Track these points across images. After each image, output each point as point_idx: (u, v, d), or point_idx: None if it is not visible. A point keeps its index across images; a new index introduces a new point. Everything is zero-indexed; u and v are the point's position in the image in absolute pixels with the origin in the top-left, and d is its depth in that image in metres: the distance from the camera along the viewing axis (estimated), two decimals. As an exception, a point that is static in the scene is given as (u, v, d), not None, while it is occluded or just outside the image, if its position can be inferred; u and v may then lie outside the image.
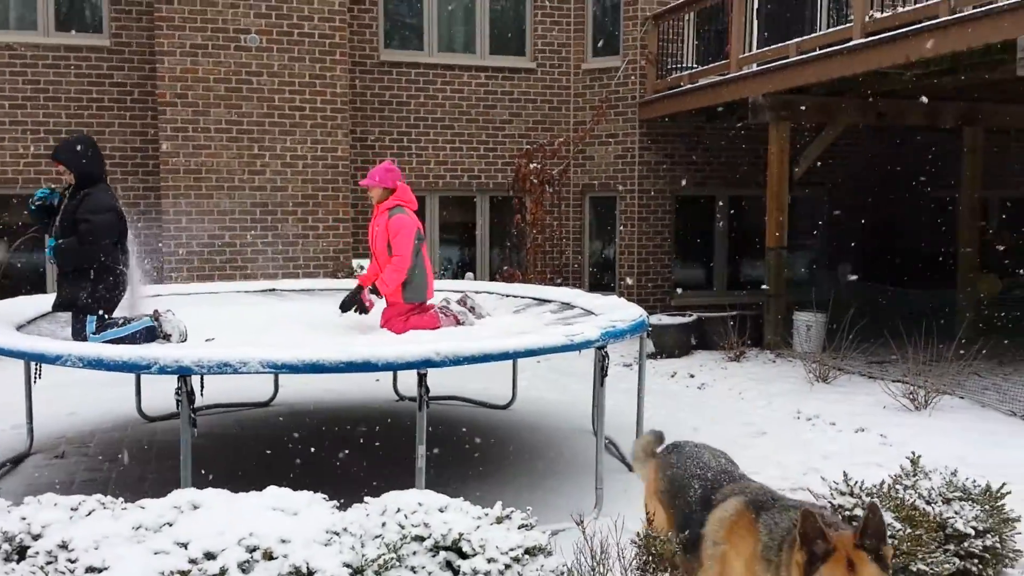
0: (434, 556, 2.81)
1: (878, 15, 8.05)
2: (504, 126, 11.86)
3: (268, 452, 5.86)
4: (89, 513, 2.88)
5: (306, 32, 10.41)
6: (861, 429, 6.68)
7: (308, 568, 2.62)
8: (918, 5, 7.61)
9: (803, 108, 9.68)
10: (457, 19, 11.79)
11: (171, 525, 2.79)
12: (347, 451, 5.72)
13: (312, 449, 5.81)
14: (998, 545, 3.78)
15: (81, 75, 10.27)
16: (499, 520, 3.03)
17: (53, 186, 5.63)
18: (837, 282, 11.81)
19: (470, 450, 6.00)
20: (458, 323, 6.14)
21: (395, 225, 6.13)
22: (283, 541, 2.70)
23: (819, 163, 10.71)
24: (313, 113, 10.50)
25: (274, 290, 7.55)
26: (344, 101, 10.66)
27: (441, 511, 2.99)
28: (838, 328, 8.91)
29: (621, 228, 11.96)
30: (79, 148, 5.43)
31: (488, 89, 11.76)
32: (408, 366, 4.20)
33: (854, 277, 11.61)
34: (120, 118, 10.43)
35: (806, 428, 6.81)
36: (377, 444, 5.89)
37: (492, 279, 11.39)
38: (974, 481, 4.10)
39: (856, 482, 3.87)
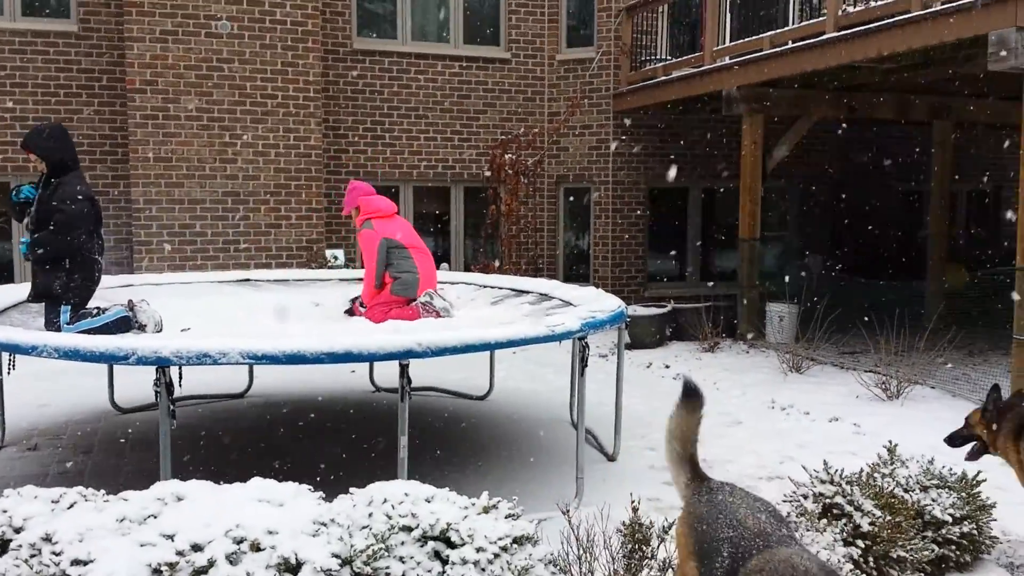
0: (422, 546, 2.80)
1: (851, 9, 8.12)
2: (478, 116, 11.81)
3: (245, 444, 5.81)
4: (71, 505, 2.83)
5: (278, 19, 10.29)
6: (835, 419, 6.77)
7: (297, 559, 2.60)
8: (890, 0, 7.68)
9: (776, 101, 9.75)
10: (431, 7, 11.71)
11: (156, 517, 2.75)
12: (325, 442, 5.69)
13: (289, 440, 5.76)
14: (975, 532, 3.84)
15: (48, 61, 10.07)
16: (486, 510, 3.03)
17: (35, 183, 5.48)
18: (809, 273, 11.93)
19: (449, 441, 5.99)
20: (439, 318, 6.13)
21: (360, 242, 6.55)
22: (270, 532, 2.68)
23: (792, 156, 10.80)
24: (285, 101, 10.38)
25: (249, 280, 7.47)
26: (317, 89, 10.56)
27: (428, 501, 2.98)
28: (811, 319, 9.01)
29: (595, 219, 11.99)
30: (51, 136, 5.33)
31: (462, 79, 11.71)
32: (390, 357, 4.16)
33: (817, 261, 11.72)
34: (89, 105, 10.24)
35: (781, 417, 6.88)
36: (355, 435, 5.85)
37: (467, 270, 11.35)
38: (950, 469, 4.17)
39: (836, 470, 3.91)
